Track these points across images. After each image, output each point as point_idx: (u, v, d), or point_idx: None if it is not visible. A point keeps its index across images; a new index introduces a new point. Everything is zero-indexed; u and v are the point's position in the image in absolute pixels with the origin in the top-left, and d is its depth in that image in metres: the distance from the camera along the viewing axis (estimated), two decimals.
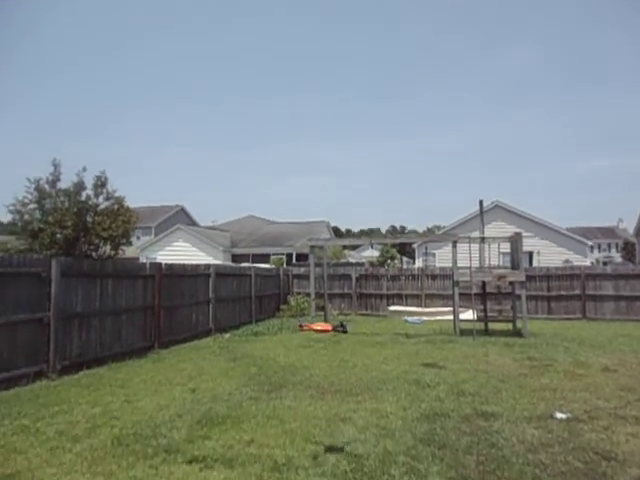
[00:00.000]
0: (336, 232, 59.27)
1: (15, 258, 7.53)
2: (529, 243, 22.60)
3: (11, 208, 10.93)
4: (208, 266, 13.31)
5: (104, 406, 5.92)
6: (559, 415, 5.39)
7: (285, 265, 26.71)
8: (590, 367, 8.12)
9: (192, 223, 43.94)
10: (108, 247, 11.90)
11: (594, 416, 5.39)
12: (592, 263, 26.02)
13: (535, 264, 23.67)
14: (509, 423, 5.17)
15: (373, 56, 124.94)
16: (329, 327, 3.74)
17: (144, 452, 4.40)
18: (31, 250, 10.52)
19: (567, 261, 23.45)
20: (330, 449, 4.43)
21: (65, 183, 11.38)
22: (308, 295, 16.43)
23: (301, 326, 4.85)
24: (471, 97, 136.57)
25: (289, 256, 31.03)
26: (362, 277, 19.38)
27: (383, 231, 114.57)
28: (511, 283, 13.06)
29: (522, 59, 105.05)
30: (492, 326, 13.00)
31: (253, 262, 27.57)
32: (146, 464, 4.14)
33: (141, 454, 4.36)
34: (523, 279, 12.30)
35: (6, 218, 11.55)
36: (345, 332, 4.01)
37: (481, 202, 14.31)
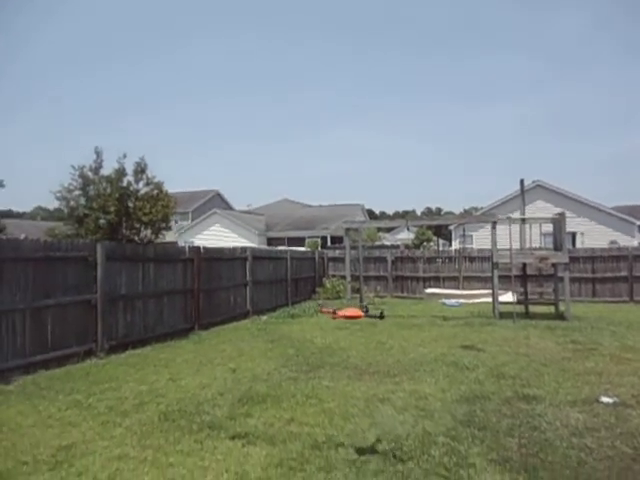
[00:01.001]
0: (370, 215, 58.90)
1: (63, 243, 7.88)
2: (572, 223, 21.77)
3: (57, 195, 11.39)
4: (245, 249, 13.51)
5: (150, 384, 6.16)
6: (605, 399, 5.23)
7: (320, 248, 26.80)
8: (638, 351, 7.82)
9: (228, 207, 44.61)
10: (149, 231, 12.24)
11: None
12: None
13: (579, 245, 22.83)
14: (552, 407, 5.06)
15: (414, 26, 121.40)
16: (360, 313, 3.59)
17: (189, 428, 4.57)
18: (77, 235, 10.96)
19: (613, 242, 22.48)
20: (369, 428, 4.47)
21: (107, 170, 11.75)
22: (343, 278, 16.46)
23: (322, 310, 4.73)
24: (514, 73, 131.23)
25: (324, 239, 31.11)
26: (398, 259, 19.22)
27: (418, 213, 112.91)
28: (553, 265, 12.66)
29: (570, 30, 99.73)
30: (533, 309, 12.68)
31: (288, 245, 27.81)
32: (191, 439, 4.30)
33: (186, 429, 4.53)
34: (566, 260, 11.89)
35: (53, 205, 12.07)
36: (382, 317, 3.96)
37: (522, 181, 13.84)
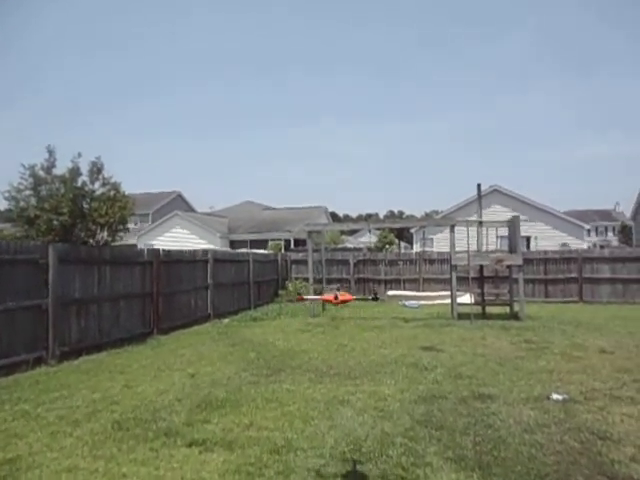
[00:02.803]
0: (334, 217, 59.19)
1: (12, 245, 7.51)
2: (527, 227, 22.61)
3: (6, 195, 10.85)
4: (206, 252, 13.29)
5: (104, 391, 5.95)
6: (555, 396, 5.44)
7: (283, 251, 26.70)
8: (587, 349, 8.19)
9: (189, 209, 43.79)
10: (105, 233, 11.86)
11: (590, 397, 5.45)
12: (589, 246, 26.12)
13: (533, 248, 23.73)
14: (506, 405, 5.22)
15: (375, 39, 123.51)
16: (350, 296, 3.53)
17: (144, 436, 4.43)
18: (27, 237, 10.48)
19: (564, 245, 23.50)
20: (329, 431, 4.47)
21: (60, 169, 11.29)
22: (306, 280, 16.44)
23: (302, 298, 4.68)
24: (470, 82, 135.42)
25: (287, 242, 31.02)
26: (360, 262, 19.40)
27: (381, 216, 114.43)
28: (509, 267, 13.10)
29: (520, 44, 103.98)
30: (489, 310, 13.07)
31: (251, 248, 27.56)
32: (146, 447, 4.17)
33: (141, 438, 4.39)
34: (520, 263, 12.33)
35: (2, 205, 11.49)
36: (376, 299, 4.00)
37: (479, 186, 14.25)
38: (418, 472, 3.62)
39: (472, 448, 4.07)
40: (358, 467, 3.72)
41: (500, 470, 3.65)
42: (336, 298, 4.06)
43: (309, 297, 3.51)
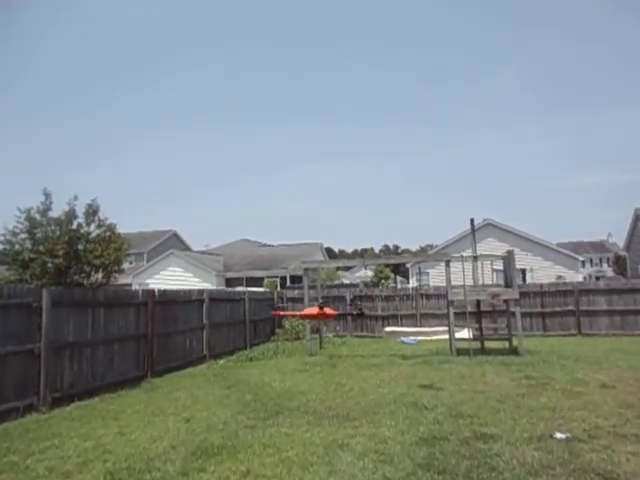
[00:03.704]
0: (329, 253, 59.31)
1: (5, 289, 7.43)
2: (522, 260, 22.74)
3: (1, 238, 10.84)
4: (202, 291, 13.21)
5: (96, 439, 5.78)
6: (559, 435, 5.33)
7: (279, 288, 26.57)
8: (588, 384, 8.08)
9: (185, 248, 43.78)
10: (100, 275, 11.78)
11: (594, 435, 5.34)
12: (584, 278, 26.20)
13: (529, 280, 23.76)
14: (509, 445, 5.10)
15: (363, 75, 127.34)
16: (314, 310, 3.45)
17: None
18: (21, 280, 10.39)
19: (560, 277, 23.56)
20: (328, 477, 4.34)
21: (56, 212, 11.33)
22: (303, 318, 16.32)
23: (278, 314, 4.57)
24: (461, 116, 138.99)
25: (283, 279, 30.91)
26: (356, 298, 19.29)
27: (377, 250, 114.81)
28: (505, 301, 13.07)
29: (507, 81, 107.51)
30: (488, 344, 12.94)
31: (247, 285, 27.44)
32: None
33: None
34: (517, 296, 12.31)
35: None
36: (361, 315, 3.87)
37: (472, 220, 14.40)
38: None
39: None
40: None
41: None
42: (321, 309, 4.02)
43: (286, 312, 3.37)
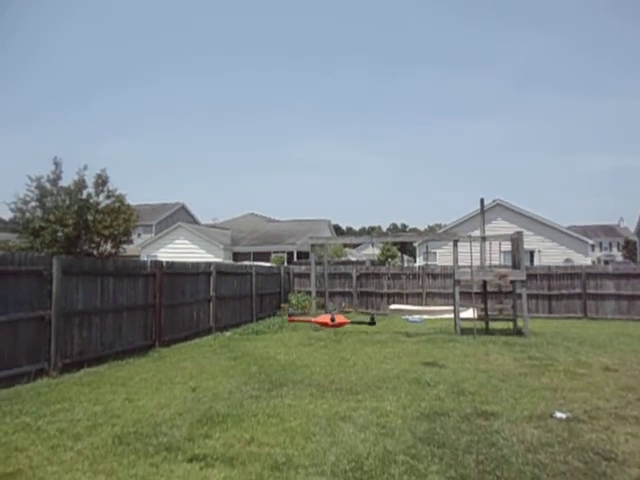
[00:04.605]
0: (337, 230, 59.28)
1: (17, 256, 7.55)
2: (530, 242, 22.58)
3: (12, 206, 10.90)
4: (209, 264, 13.31)
5: (105, 404, 5.94)
6: (559, 415, 5.39)
7: (286, 263, 26.71)
8: (591, 367, 8.12)
9: (193, 221, 43.97)
10: (109, 245, 11.86)
11: (594, 416, 5.40)
12: (593, 262, 26.04)
13: (536, 263, 23.66)
14: (509, 423, 5.18)
15: (373, 48, 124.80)
16: (326, 318, 3.51)
17: (145, 450, 4.42)
18: (32, 248, 10.49)
19: (568, 260, 23.43)
20: (330, 448, 4.44)
21: (66, 181, 11.35)
22: (309, 293, 16.44)
23: (292, 320, 4.57)
24: (473, 95, 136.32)
25: (290, 254, 31.04)
26: (363, 275, 19.37)
27: (384, 229, 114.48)
28: (512, 282, 13.06)
29: (526, 55, 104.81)
30: (493, 325, 13.00)
31: (254, 260, 27.59)
32: (147, 462, 4.15)
33: (142, 452, 4.37)
34: (524, 278, 12.29)
35: (7, 216, 11.51)
36: (373, 323, 3.83)
37: (482, 200, 14.28)
38: None
39: (475, 467, 4.03)
40: None
41: None
42: (332, 321, 4.07)
43: (301, 318, 3.38)
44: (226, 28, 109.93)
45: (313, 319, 3.90)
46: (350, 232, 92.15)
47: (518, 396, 6.22)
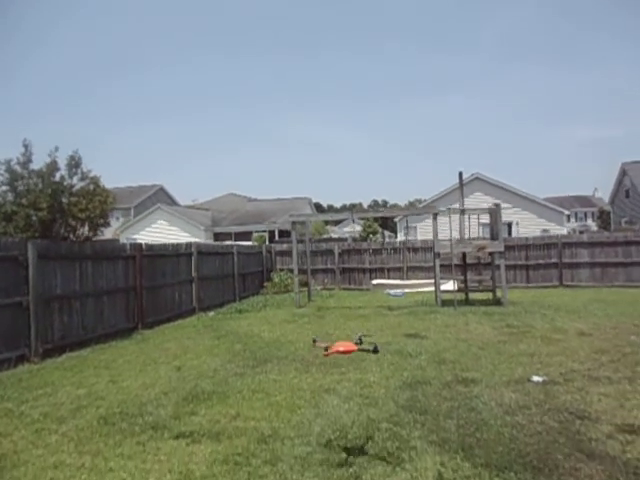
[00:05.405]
0: (318, 208, 59.16)
1: None
2: (508, 214, 22.95)
3: None
4: (190, 245, 13.20)
5: (89, 387, 5.91)
6: (536, 378, 5.58)
7: (267, 242, 26.65)
8: (566, 332, 8.38)
9: (172, 202, 43.34)
10: (86, 228, 11.68)
11: (569, 378, 5.60)
12: (569, 232, 26.59)
13: (514, 234, 24.08)
14: (488, 388, 5.33)
15: (354, 25, 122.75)
16: (354, 347, 3.57)
17: (131, 430, 4.43)
18: (6, 234, 10.27)
19: (545, 230, 23.91)
20: (315, 419, 4.52)
21: (37, 164, 11.05)
22: (292, 271, 16.48)
23: (327, 351, 4.53)
24: (452, 69, 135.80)
25: (271, 233, 30.96)
26: (345, 252, 19.47)
27: (365, 206, 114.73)
28: (491, 253, 13.28)
29: (503, 29, 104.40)
30: (472, 296, 13.26)
31: (235, 240, 27.46)
32: (133, 441, 4.17)
33: (128, 432, 4.39)
34: (502, 249, 12.51)
35: None
36: (376, 352, 3.87)
37: (460, 174, 14.37)
38: (403, 456, 3.70)
39: (455, 431, 4.16)
40: (344, 454, 3.77)
41: (482, 451, 3.75)
42: (341, 352, 4.16)
43: (332, 351, 3.40)
44: (207, 9, 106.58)
45: (342, 348, 3.92)
46: (331, 209, 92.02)
47: (497, 362, 6.40)
